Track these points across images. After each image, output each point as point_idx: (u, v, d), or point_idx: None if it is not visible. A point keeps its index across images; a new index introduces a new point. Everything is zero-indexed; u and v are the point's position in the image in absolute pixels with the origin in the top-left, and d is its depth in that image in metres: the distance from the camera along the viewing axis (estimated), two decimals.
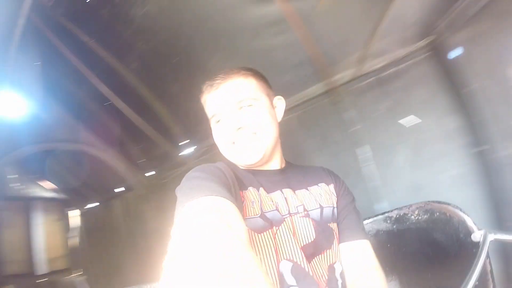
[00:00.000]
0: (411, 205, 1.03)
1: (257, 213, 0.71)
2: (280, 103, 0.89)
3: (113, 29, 2.25)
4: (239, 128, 0.78)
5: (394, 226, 1.02)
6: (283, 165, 0.89)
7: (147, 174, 3.66)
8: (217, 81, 0.80)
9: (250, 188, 0.76)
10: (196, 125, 2.66)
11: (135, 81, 2.64)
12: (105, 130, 3.17)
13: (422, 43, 1.88)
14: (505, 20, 1.39)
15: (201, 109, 0.88)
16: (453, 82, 1.78)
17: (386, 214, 1.10)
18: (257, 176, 0.80)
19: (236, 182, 0.73)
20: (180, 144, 3.10)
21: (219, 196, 0.55)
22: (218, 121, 0.81)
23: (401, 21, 1.77)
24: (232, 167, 0.81)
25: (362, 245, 0.81)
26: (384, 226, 1.03)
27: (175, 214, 0.55)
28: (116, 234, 4.24)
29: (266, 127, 0.80)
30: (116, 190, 4.26)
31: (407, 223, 0.98)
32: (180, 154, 3.16)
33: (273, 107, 0.86)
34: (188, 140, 3.06)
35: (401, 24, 1.79)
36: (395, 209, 1.10)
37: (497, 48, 1.46)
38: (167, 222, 0.62)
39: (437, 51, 1.85)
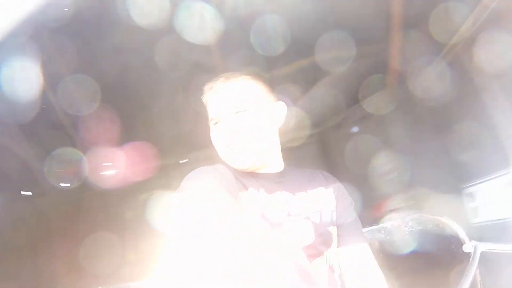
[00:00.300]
0: (405, 217, 1.06)
1: (257, 214, 0.72)
2: (280, 108, 0.89)
3: None
4: (235, 132, 0.78)
5: (388, 237, 1.04)
6: (283, 168, 0.90)
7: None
8: (217, 84, 0.82)
9: (250, 190, 0.76)
10: None
11: None
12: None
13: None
14: None
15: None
16: None
17: (381, 225, 1.13)
18: (257, 179, 0.81)
19: (236, 184, 0.74)
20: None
21: (219, 198, 0.56)
22: (216, 123, 0.82)
23: None
24: (232, 169, 0.81)
25: (363, 248, 0.83)
26: (379, 236, 1.06)
27: (175, 215, 0.55)
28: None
29: (262, 131, 0.81)
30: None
31: (401, 234, 1.01)
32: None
33: (273, 111, 0.87)
34: None
35: None
36: (390, 221, 1.14)
37: None
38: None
39: None
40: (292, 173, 0.90)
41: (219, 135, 0.81)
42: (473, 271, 0.71)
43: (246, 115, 0.80)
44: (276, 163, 0.87)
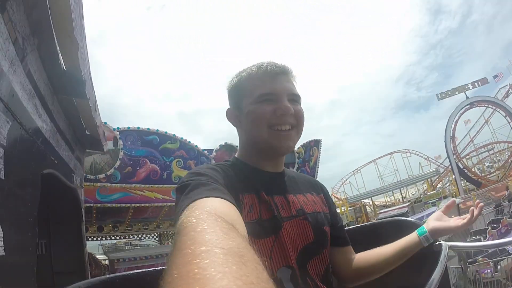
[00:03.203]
0: (382, 220, 1.13)
1: (255, 218, 0.72)
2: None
3: None
4: (291, 114, 0.80)
5: (366, 238, 1.09)
6: (283, 169, 0.92)
7: None
8: (278, 68, 0.83)
9: (251, 191, 0.76)
10: None
11: None
12: None
13: None
14: None
15: None
16: None
17: (360, 226, 1.21)
18: (261, 177, 0.82)
19: (237, 184, 0.74)
20: None
21: (221, 197, 0.55)
22: (268, 100, 0.80)
23: None
24: (238, 166, 0.83)
25: (351, 249, 0.92)
26: (357, 237, 1.10)
27: (177, 213, 0.54)
28: None
29: (303, 125, 0.85)
30: None
31: (378, 236, 1.05)
32: None
33: None
34: None
35: None
36: (368, 223, 1.21)
37: None
38: None
39: None
40: (290, 175, 0.92)
41: (269, 113, 0.79)
42: (442, 266, 0.75)
43: (299, 106, 0.84)
44: (281, 163, 0.90)
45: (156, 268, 0.95)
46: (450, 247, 0.88)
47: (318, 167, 16.67)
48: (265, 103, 0.80)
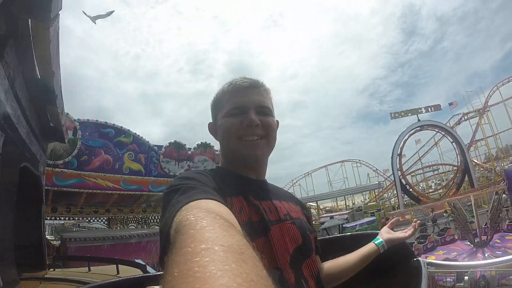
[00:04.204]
0: (345, 234, 1.26)
1: (245, 220, 0.72)
2: (277, 124, 0.92)
3: None
4: (256, 126, 0.82)
5: (333, 247, 1.16)
6: (264, 178, 0.93)
7: None
8: (247, 82, 0.86)
9: (239, 195, 0.77)
10: None
11: None
12: None
13: None
14: None
15: None
16: None
17: (329, 237, 1.38)
18: (246, 183, 0.83)
19: (224, 188, 0.73)
20: None
21: (214, 199, 0.54)
22: (236, 114, 0.83)
23: None
24: (222, 172, 0.85)
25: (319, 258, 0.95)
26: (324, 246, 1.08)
27: (167, 216, 0.53)
28: None
29: (273, 135, 0.87)
30: None
31: (341, 246, 1.16)
32: None
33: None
34: None
35: None
36: (348, 234, 1.33)
37: None
38: None
39: None
40: (271, 185, 0.94)
41: (236, 125, 0.82)
42: (425, 282, 0.89)
43: (267, 117, 0.86)
44: (264, 172, 0.91)
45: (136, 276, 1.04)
46: (428, 264, 1.04)
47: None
48: (234, 116, 0.83)
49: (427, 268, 1.02)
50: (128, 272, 5.88)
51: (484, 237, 5.60)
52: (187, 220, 0.41)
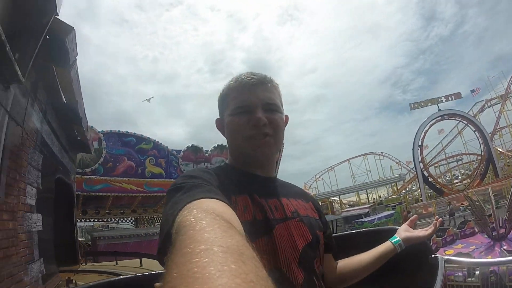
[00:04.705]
0: (360, 230, 1.29)
1: (249, 218, 0.72)
2: (286, 120, 0.91)
3: None
4: (264, 125, 0.79)
5: (347, 245, 1.11)
6: (274, 175, 0.92)
7: None
8: (254, 79, 0.82)
9: (244, 193, 0.76)
10: None
11: None
12: None
13: None
14: None
15: None
16: None
17: (343, 234, 1.32)
18: (253, 180, 0.82)
19: (229, 186, 0.73)
20: None
21: (216, 198, 0.54)
22: (243, 112, 0.81)
23: None
24: (228, 170, 0.84)
25: (332, 257, 0.95)
26: (339, 243, 1.04)
27: (170, 214, 0.52)
28: None
29: (281, 132, 0.85)
30: None
31: (357, 243, 1.11)
32: None
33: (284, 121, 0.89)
34: None
35: None
36: (363, 229, 1.33)
37: None
38: None
39: None
40: (281, 181, 0.93)
41: (243, 124, 0.80)
42: (441, 279, 0.87)
43: (275, 115, 0.83)
44: (272, 169, 0.89)
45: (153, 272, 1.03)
46: (446, 261, 0.98)
47: (278, 168, 18.38)
48: (240, 115, 0.81)
49: (445, 265, 0.97)
50: (151, 264, 6.67)
51: (502, 231, 5.18)
52: (187, 221, 0.40)
